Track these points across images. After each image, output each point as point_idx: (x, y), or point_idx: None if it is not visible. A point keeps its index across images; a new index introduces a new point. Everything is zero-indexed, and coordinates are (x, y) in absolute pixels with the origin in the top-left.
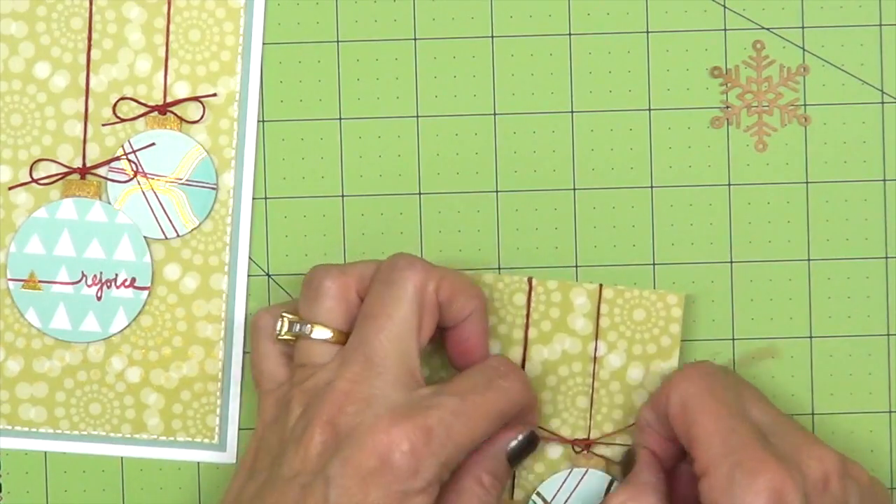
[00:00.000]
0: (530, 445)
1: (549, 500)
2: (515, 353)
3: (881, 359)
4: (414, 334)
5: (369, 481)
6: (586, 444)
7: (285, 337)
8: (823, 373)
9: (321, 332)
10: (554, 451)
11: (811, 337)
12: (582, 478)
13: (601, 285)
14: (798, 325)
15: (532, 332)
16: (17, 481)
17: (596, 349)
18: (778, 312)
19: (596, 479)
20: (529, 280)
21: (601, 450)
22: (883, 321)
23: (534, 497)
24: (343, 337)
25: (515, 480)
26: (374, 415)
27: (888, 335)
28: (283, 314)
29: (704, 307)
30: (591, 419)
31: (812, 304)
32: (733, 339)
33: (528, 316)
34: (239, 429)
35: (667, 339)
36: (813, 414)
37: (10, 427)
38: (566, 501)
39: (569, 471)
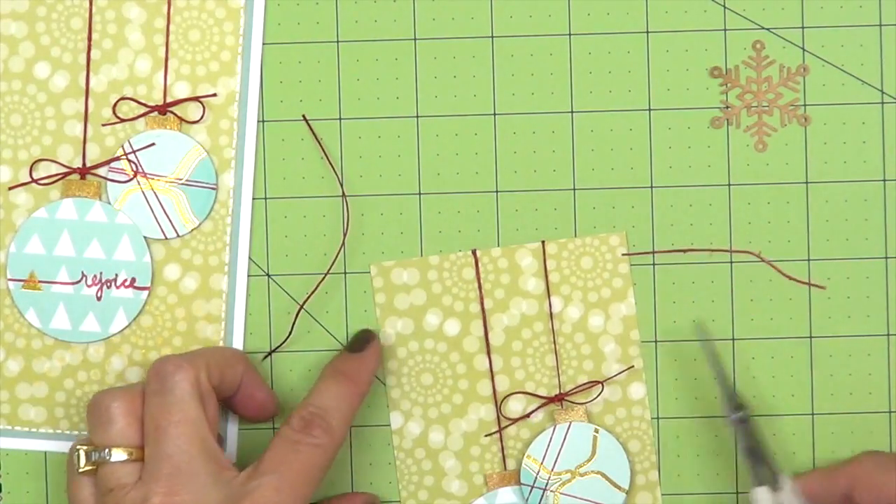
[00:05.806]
0: None
1: (540, 460)
2: (476, 327)
3: (881, 359)
4: (206, 426)
5: None
6: (559, 399)
7: (86, 468)
8: (823, 373)
9: (119, 454)
10: (535, 415)
11: (811, 337)
12: (567, 432)
13: (543, 242)
14: (798, 325)
15: (488, 303)
16: (17, 481)
17: (552, 305)
18: (777, 312)
19: (581, 430)
20: (474, 252)
21: (579, 400)
22: (883, 321)
23: (525, 461)
24: (141, 453)
25: (505, 451)
26: None
27: (888, 335)
28: (77, 447)
29: (705, 307)
30: (562, 374)
31: (812, 304)
32: (733, 340)
33: (480, 287)
34: (239, 428)
35: (618, 280)
36: (813, 414)
37: (10, 427)
38: (557, 457)
39: (552, 428)
